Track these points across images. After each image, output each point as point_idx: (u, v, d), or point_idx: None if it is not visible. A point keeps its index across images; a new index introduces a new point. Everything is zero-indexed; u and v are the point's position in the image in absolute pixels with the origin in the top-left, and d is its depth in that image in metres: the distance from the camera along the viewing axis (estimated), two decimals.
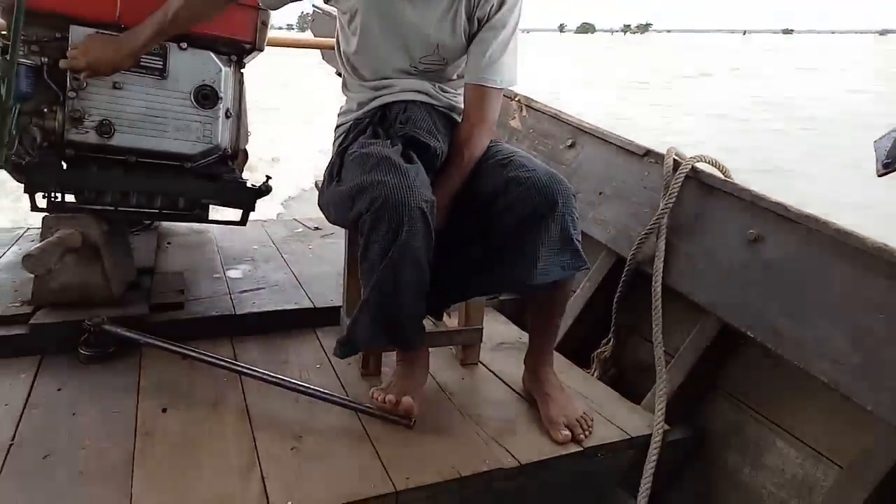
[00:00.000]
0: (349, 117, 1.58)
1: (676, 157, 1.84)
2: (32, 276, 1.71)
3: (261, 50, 1.80)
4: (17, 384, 1.52)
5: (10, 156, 1.53)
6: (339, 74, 1.69)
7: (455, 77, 1.58)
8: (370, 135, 1.45)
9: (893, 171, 0.83)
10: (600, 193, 2.05)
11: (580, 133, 2.22)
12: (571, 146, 2.23)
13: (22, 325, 1.67)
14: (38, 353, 1.65)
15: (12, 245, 2.34)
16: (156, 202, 1.73)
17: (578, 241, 1.39)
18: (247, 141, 1.84)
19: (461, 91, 1.55)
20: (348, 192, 1.32)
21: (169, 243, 2.46)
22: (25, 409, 1.42)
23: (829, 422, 1.42)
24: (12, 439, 1.31)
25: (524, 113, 2.47)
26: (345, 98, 1.64)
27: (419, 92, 1.53)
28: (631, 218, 1.91)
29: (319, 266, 2.28)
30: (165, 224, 2.59)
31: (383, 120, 1.50)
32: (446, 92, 1.58)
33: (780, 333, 1.44)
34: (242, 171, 1.88)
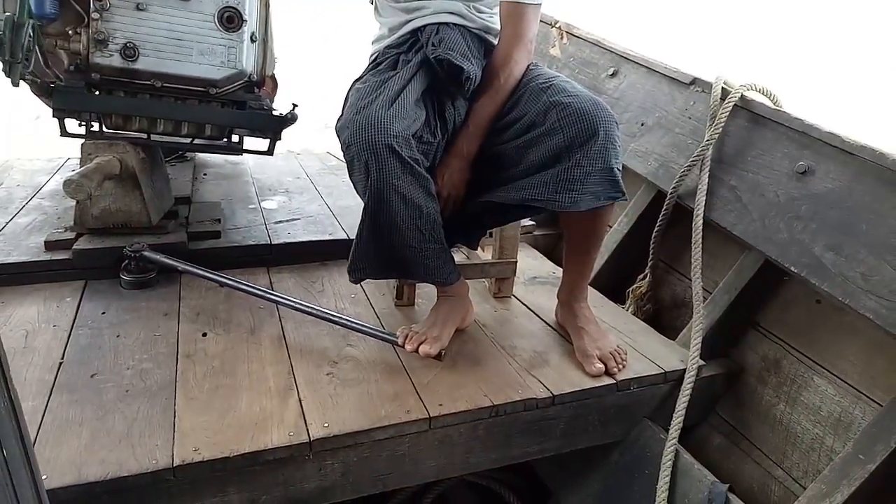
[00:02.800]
0: (381, 45, 1.53)
1: (725, 86, 1.75)
2: (74, 202, 1.74)
3: None
4: (64, 307, 1.57)
5: (26, 73, 1.53)
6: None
7: None
8: (388, 66, 1.41)
9: None
10: (642, 124, 1.97)
11: (623, 61, 2.13)
12: (614, 75, 2.14)
13: (66, 250, 1.71)
14: (83, 277, 1.70)
15: (55, 174, 2.38)
16: (182, 129, 1.72)
17: (619, 170, 1.34)
18: (273, 67, 1.81)
19: (496, 11, 1.48)
20: (337, 130, 1.33)
21: (205, 174, 2.48)
22: (73, 331, 1.47)
23: (871, 360, 1.39)
24: (62, 358, 1.37)
25: (565, 41, 2.37)
26: (377, 25, 1.58)
27: (452, 13, 1.47)
28: (674, 150, 1.85)
29: (353, 198, 2.24)
30: (201, 155, 2.60)
31: (414, 44, 1.45)
32: (481, 13, 1.51)
33: (825, 269, 1.39)
34: (273, 99, 1.85)
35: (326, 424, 1.20)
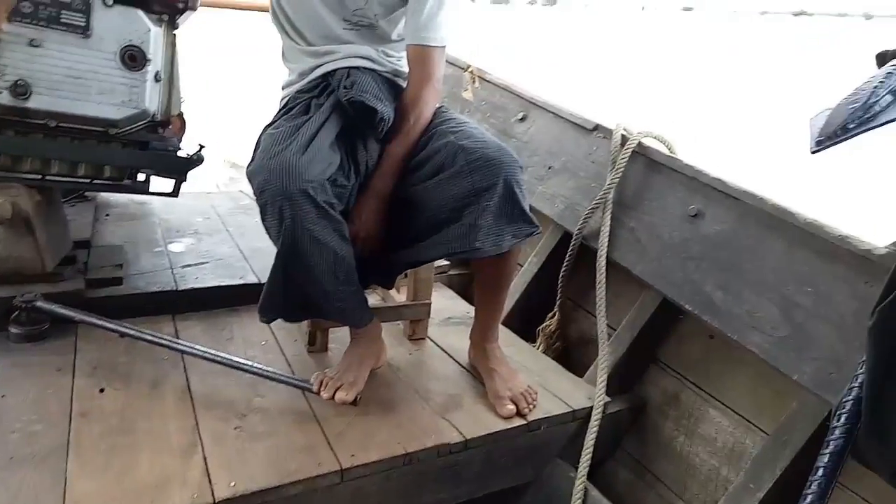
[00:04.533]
0: (292, 89, 1.53)
1: (624, 133, 1.86)
2: None
3: (194, 9, 1.72)
4: None
5: None
6: None
7: (396, 38, 1.54)
8: (300, 111, 1.42)
9: (826, 148, 0.85)
10: (549, 168, 2.06)
11: (532, 106, 2.22)
12: (523, 119, 2.23)
13: None
14: None
15: None
16: (80, 171, 1.64)
17: (527, 208, 1.40)
18: (179, 107, 1.77)
19: (404, 55, 1.52)
20: (249, 175, 1.32)
21: (107, 215, 2.37)
22: None
23: (758, 392, 1.49)
24: None
25: (476, 84, 2.45)
26: (287, 70, 1.59)
27: (362, 58, 1.50)
28: (578, 192, 1.93)
29: (266, 239, 2.21)
30: (104, 194, 2.49)
31: (325, 88, 1.46)
32: (390, 56, 1.55)
33: (715, 307, 1.49)
34: (181, 138, 1.81)
35: (233, 483, 1.16)
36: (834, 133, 0.81)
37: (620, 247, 1.75)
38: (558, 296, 1.91)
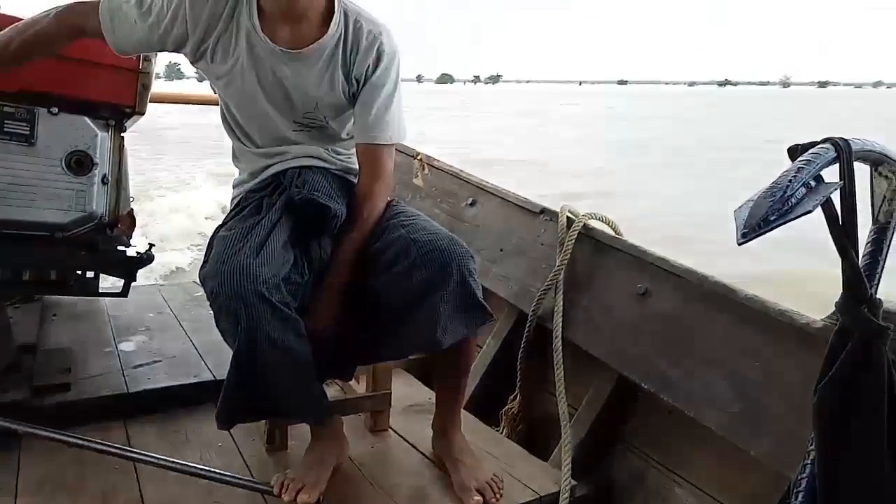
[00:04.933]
0: (243, 189, 1.55)
1: (570, 215, 1.94)
2: None
3: (142, 114, 1.76)
4: None
5: None
6: None
7: (345, 136, 1.58)
8: (252, 210, 1.44)
9: (751, 240, 0.91)
10: (501, 250, 2.11)
11: (480, 191, 2.30)
12: (472, 204, 2.30)
13: None
14: None
15: None
16: (23, 275, 1.62)
17: (480, 297, 1.43)
18: (129, 205, 1.77)
19: (354, 152, 1.56)
20: (202, 278, 1.32)
21: (55, 315, 2.30)
22: None
23: (720, 468, 1.51)
24: None
25: (426, 171, 2.53)
26: (237, 170, 1.61)
27: (312, 157, 1.54)
28: (530, 274, 1.99)
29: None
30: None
31: (277, 188, 1.49)
32: (340, 154, 1.59)
33: (670, 384, 1.53)
34: (131, 235, 1.80)
35: None
36: (757, 225, 0.87)
37: (575, 326, 1.79)
38: (518, 377, 1.93)
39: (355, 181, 1.57)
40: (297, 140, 1.53)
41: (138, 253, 1.76)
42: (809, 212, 0.87)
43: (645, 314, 1.65)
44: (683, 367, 1.52)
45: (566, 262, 1.84)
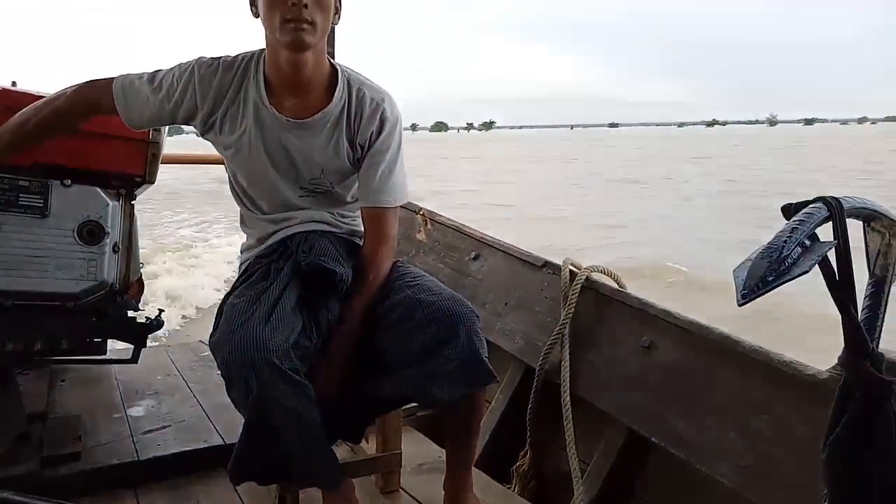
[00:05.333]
0: (251, 254, 1.59)
1: (572, 268, 1.97)
2: None
3: (151, 182, 1.80)
4: None
5: None
6: None
7: (350, 200, 1.62)
8: (260, 276, 1.46)
9: (751, 300, 0.93)
10: (506, 304, 2.13)
11: (483, 245, 2.33)
12: (476, 258, 2.33)
13: None
14: None
15: None
16: (35, 345, 1.63)
17: (485, 356, 1.44)
18: (139, 273, 1.80)
19: (359, 214, 1.60)
20: (213, 347, 1.35)
21: (63, 381, 2.30)
22: None
23: None
24: None
25: (429, 226, 2.57)
26: (245, 236, 1.65)
27: (319, 221, 1.57)
28: (535, 328, 2.00)
29: None
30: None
31: (284, 253, 1.53)
32: (345, 217, 1.63)
33: (680, 437, 1.53)
34: (139, 301, 1.83)
35: None
36: (756, 286, 0.89)
37: (582, 381, 1.80)
38: (528, 433, 1.92)
39: (361, 243, 1.61)
40: (303, 205, 1.57)
41: (148, 319, 1.79)
42: (806, 272, 0.90)
43: (651, 367, 1.66)
44: (692, 420, 1.52)
45: (571, 315, 1.86)
